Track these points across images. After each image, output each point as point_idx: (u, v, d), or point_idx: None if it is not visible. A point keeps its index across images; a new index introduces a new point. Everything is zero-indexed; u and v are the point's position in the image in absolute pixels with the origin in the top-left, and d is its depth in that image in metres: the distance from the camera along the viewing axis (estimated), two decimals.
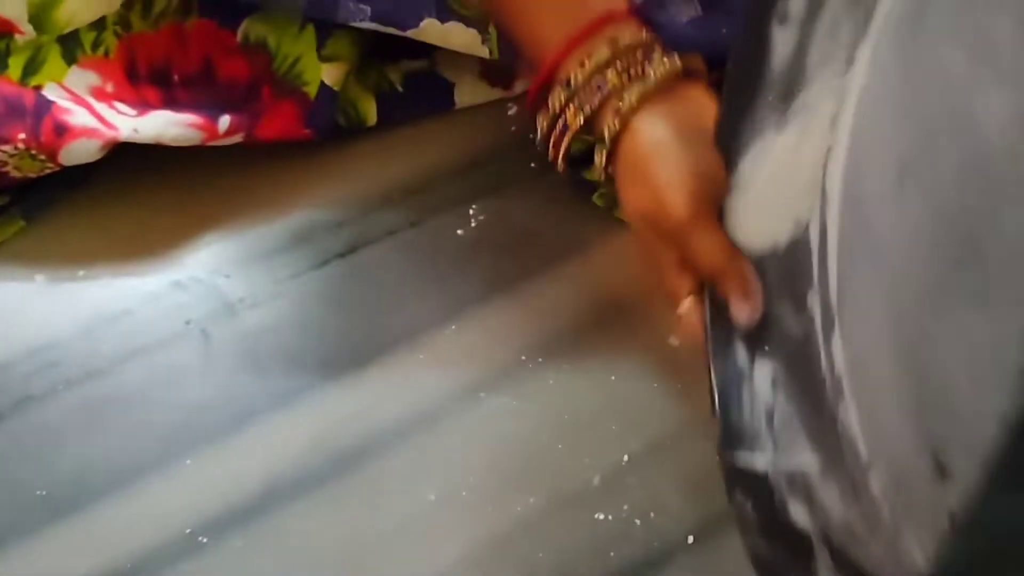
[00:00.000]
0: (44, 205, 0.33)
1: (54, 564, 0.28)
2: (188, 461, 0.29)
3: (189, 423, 0.30)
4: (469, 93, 0.36)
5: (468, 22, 0.34)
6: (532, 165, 0.34)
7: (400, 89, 0.36)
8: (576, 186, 0.33)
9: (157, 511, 0.28)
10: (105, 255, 0.33)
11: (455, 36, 0.34)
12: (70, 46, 0.34)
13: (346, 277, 0.33)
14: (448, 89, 0.36)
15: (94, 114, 0.32)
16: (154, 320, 0.32)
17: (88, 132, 0.31)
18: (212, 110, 0.33)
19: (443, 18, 0.33)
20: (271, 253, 0.33)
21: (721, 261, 0.27)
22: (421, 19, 0.33)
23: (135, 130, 0.32)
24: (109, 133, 0.32)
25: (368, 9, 0.33)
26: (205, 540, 0.28)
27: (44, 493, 0.29)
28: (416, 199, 0.34)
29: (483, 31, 0.34)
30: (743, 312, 0.26)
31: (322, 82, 0.34)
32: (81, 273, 0.32)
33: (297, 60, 0.34)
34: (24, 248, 0.33)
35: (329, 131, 0.34)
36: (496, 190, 0.34)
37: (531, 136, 0.32)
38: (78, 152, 0.32)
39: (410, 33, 0.33)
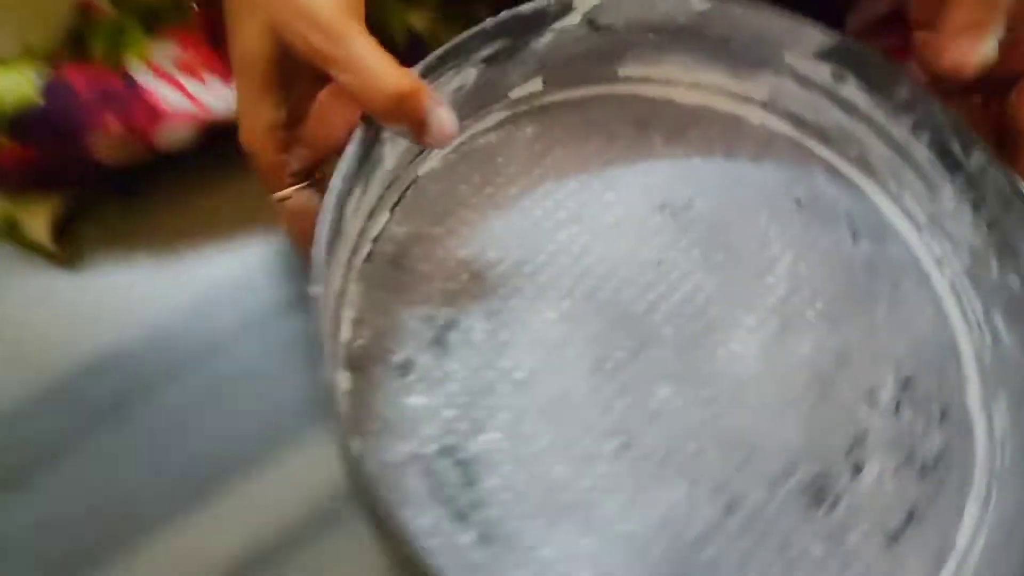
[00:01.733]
0: (138, 183, 0.32)
1: (199, 547, 0.27)
2: (321, 431, 0.28)
3: (315, 393, 0.28)
4: None
5: None
6: None
7: None
8: None
9: (296, 484, 0.27)
10: (206, 230, 0.31)
11: None
12: (149, 19, 0.32)
13: None
14: None
15: (186, 94, 0.30)
16: (265, 292, 0.30)
17: (182, 116, 0.30)
18: None
19: None
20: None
21: (402, 74, 0.23)
22: None
23: (231, 106, 0.30)
24: (203, 115, 0.30)
25: None
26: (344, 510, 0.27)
27: (180, 477, 0.28)
28: None
29: None
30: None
31: (409, 28, 0.32)
32: (185, 250, 0.31)
33: (380, 5, 0.32)
34: (124, 230, 0.31)
35: None
36: None
37: None
38: (173, 138, 0.30)
39: None
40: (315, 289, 0.22)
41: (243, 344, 0.30)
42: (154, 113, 0.30)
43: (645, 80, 0.31)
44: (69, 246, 0.31)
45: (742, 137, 0.31)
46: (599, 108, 0.30)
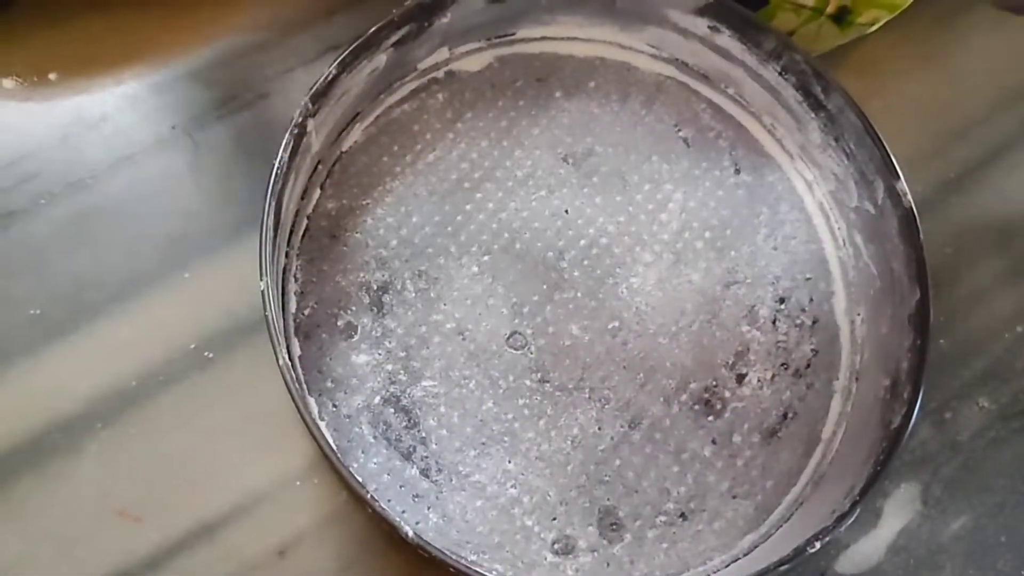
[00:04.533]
0: (6, 4, 0.31)
1: (54, 383, 0.28)
2: (186, 274, 0.29)
3: (185, 234, 0.29)
4: None
5: None
6: None
7: None
8: None
9: (158, 326, 0.29)
10: (77, 57, 0.31)
11: None
12: None
13: None
14: None
15: None
16: (136, 126, 0.31)
17: None
18: None
19: None
20: (255, 50, 0.32)
21: None
22: None
23: None
24: None
25: None
26: (211, 355, 0.29)
27: (39, 312, 0.28)
28: None
29: None
30: None
31: None
32: (53, 77, 0.31)
33: None
34: None
35: None
36: None
37: None
38: None
39: None
40: (262, 283, 0.26)
41: (113, 179, 0.30)
42: None
43: (542, 39, 0.33)
44: None
45: (634, 83, 0.34)
46: (502, 70, 0.33)
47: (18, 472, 0.28)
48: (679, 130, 0.33)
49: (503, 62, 0.33)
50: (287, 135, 0.27)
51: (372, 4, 0.33)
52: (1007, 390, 0.33)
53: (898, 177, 0.30)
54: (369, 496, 0.24)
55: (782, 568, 0.26)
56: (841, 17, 0.33)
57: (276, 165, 0.27)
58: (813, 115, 0.32)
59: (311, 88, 0.28)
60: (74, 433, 0.28)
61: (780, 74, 0.32)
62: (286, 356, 0.26)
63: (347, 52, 0.28)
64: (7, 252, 0.30)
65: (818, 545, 0.26)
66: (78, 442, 0.28)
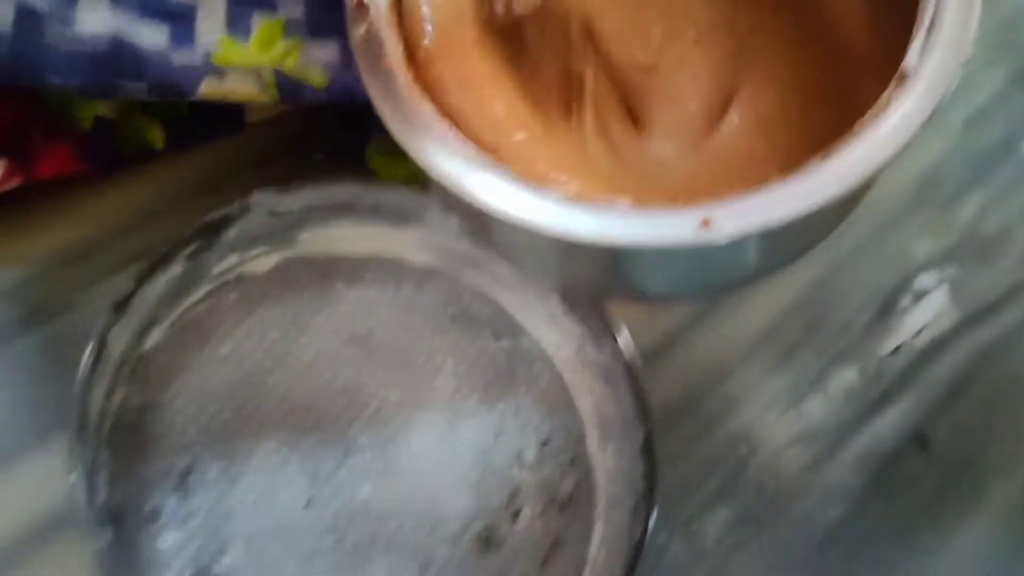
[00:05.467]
0: None
1: None
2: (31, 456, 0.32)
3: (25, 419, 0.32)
4: (258, 109, 0.39)
5: (244, 74, 0.35)
6: None
7: (188, 115, 0.39)
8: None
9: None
10: None
11: (238, 91, 0.36)
12: None
13: None
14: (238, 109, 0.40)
15: None
16: None
17: None
18: None
19: (220, 74, 0.35)
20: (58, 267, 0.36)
21: None
22: (199, 83, 0.35)
23: None
24: None
25: (144, 86, 0.35)
26: (27, 553, 0.31)
27: None
28: None
29: (259, 79, 0.36)
30: None
31: (97, 116, 0.36)
32: None
33: (68, 98, 0.36)
34: None
35: (110, 162, 0.37)
36: None
37: None
38: None
39: (194, 97, 0.35)
40: (71, 477, 0.29)
41: None
42: None
43: (323, 239, 0.39)
44: None
45: (405, 273, 0.40)
46: (287, 268, 0.38)
47: None
48: (447, 309, 0.39)
49: (287, 263, 0.38)
50: (90, 346, 0.31)
51: (166, 222, 0.38)
52: (740, 500, 0.40)
53: (617, 336, 0.36)
54: None
55: None
56: None
57: (80, 374, 0.30)
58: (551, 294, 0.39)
59: (112, 301, 0.32)
60: None
61: None
62: (98, 544, 0.28)
63: (144, 267, 0.33)
64: None
65: None
66: None
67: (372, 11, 0.32)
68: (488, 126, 0.32)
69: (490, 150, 0.31)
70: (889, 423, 0.41)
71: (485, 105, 0.32)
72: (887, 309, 0.44)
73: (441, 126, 0.30)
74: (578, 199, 0.29)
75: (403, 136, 0.30)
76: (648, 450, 0.35)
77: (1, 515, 0.31)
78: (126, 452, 0.33)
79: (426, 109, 0.31)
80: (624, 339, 0.37)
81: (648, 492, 0.34)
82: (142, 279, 0.32)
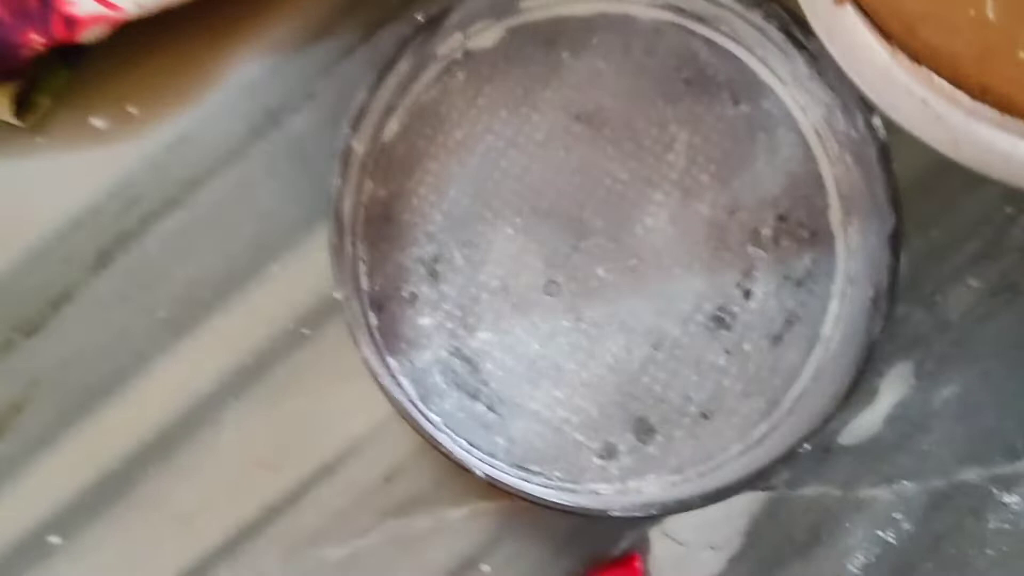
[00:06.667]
0: (80, 54, 0.36)
1: (189, 371, 0.35)
2: (275, 266, 0.36)
3: (268, 232, 0.36)
4: None
5: None
6: None
7: None
8: None
9: (261, 314, 0.36)
10: (150, 90, 0.36)
11: None
12: None
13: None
14: None
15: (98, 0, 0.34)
16: (211, 142, 0.37)
17: (96, 19, 0.34)
18: None
19: None
20: (295, 54, 0.37)
21: None
22: None
23: (139, 4, 0.34)
24: (115, 15, 0.34)
25: None
26: (307, 332, 0.36)
27: (165, 315, 0.36)
28: None
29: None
30: None
31: None
32: (133, 110, 0.37)
33: None
34: (75, 97, 0.36)
35: None
36: None
37: None
38: (94, 36, 0.34)
39: None
40: (337, 294, 0.32)
41: (199, 194, 0.36)
42: (72, 22, 0.34)
43: (544, 6, 0.37)
44: (31, 117, 0.36)
45: (634, 33, 0.37)
46: (512, 41, 0.37)
47: (175, 443, 0.36)
48: (680, 72, 0.37)
49: (512, 34, 0.37)
50: (336, 158, 0.33)
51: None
52: (996, 268, 0.37)
53: (872, 112, 0.33)
54: (442, 446, 0.32)
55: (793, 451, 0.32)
56: None
57: (332, 183, 0.32)
58: (797, 52, 0.35)
59: (348, 117, 0.33)
60: (212, 407, 0.36)
61: (763, 18, 0.35)
62: (369, 327, 0.32)
63: (373, 78, 0.33)
64: (132, 268, 0.37)
65: (809, 444, 0.32)
66: (217, 414, 0.36)
67: None
68: None
69: None
70: None
71: None
72: None
73: None
74: None
75: None
76: (895, 241, 0.33)
77: (281, 300, 0.36)
78: (381, 241, 0.36)
79: None
80: (876, 117, 0.33)
81: (891, 287, 0.33)
82: (372, 90, 0.33)
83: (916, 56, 0.28)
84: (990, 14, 0.26)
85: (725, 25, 0.36)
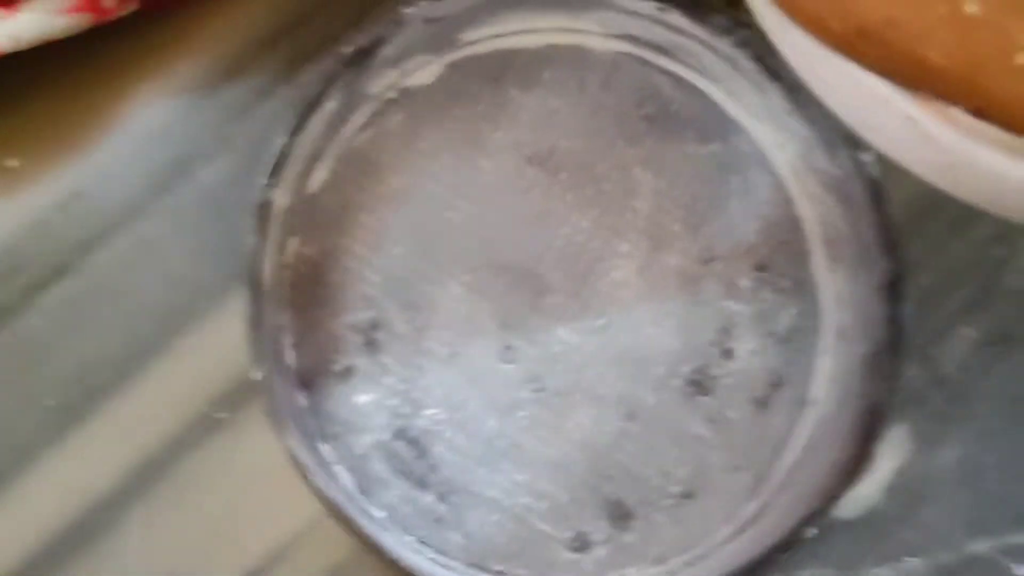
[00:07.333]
0: None
1: (83, 467, 0.30)
2: (184, 339, 0.31)
3: (176, 299, 0.31)
4: None
5: None
6: None
7: None
8: None
9: (170, 395, 0.31)
10: (36, 139, 0.32)
11: None
12: None
13: None
14: None
15: None
16: (109, 198, 0.32)
17: None
18: None
19: None
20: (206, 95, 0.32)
21: None
22: None
23: (14, 38, 0.29)
24: None
25: None
26: (223, 415, 0.31)
27: (53, 403, 0.31)
28: None
29: None
30: None
31: None
32: (15, 164, 0.32)
33: None
34: None
35: None
36: None
37: None
38: None
39: None
40: (256, 373, 0.27)
41: (94, 259, 0.31)
42: None
43: (488, 38, 0.33)
44: None
45: (589, 67, 0.33)
46: (454, 77, 0.33)
47: (68, 554, 0.30)
48: (640, 109, 0.33)
49: (453, 69, 0.33)
50: (253, 213, 0.28)
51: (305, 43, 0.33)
52: (988, 316, 0.34)
53: (859, 147, 0.30)
54: (385, 549, 0.27)
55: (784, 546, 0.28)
56: None
57: (248, 242, 0.28)
58: (773, 83, 0.31)
59: (266, 165, 0.28)
60: (112, 510, 0.31)
61: (734, 47, 0.31)
62: (295, 410, 0.27)
63: (295, 120, 0.28)
64: (12, 348, 0.31)
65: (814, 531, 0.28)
66: (119, 517, 0.31)
67: None
68: None
69: None
70: None
71: None
72: None
73: None
74: None
75: None
76: (893, 290, 0.29)
77: (193, 379, 0.31)
78: (308, 308, 0.31)
79: None
80: (865, 151, 0.30)
81: (893, 343, 0.29)
82: (293, 133, 0.28)
83: None
84: (968, 9, 0.22)
85: (690, 56, 0.33)
